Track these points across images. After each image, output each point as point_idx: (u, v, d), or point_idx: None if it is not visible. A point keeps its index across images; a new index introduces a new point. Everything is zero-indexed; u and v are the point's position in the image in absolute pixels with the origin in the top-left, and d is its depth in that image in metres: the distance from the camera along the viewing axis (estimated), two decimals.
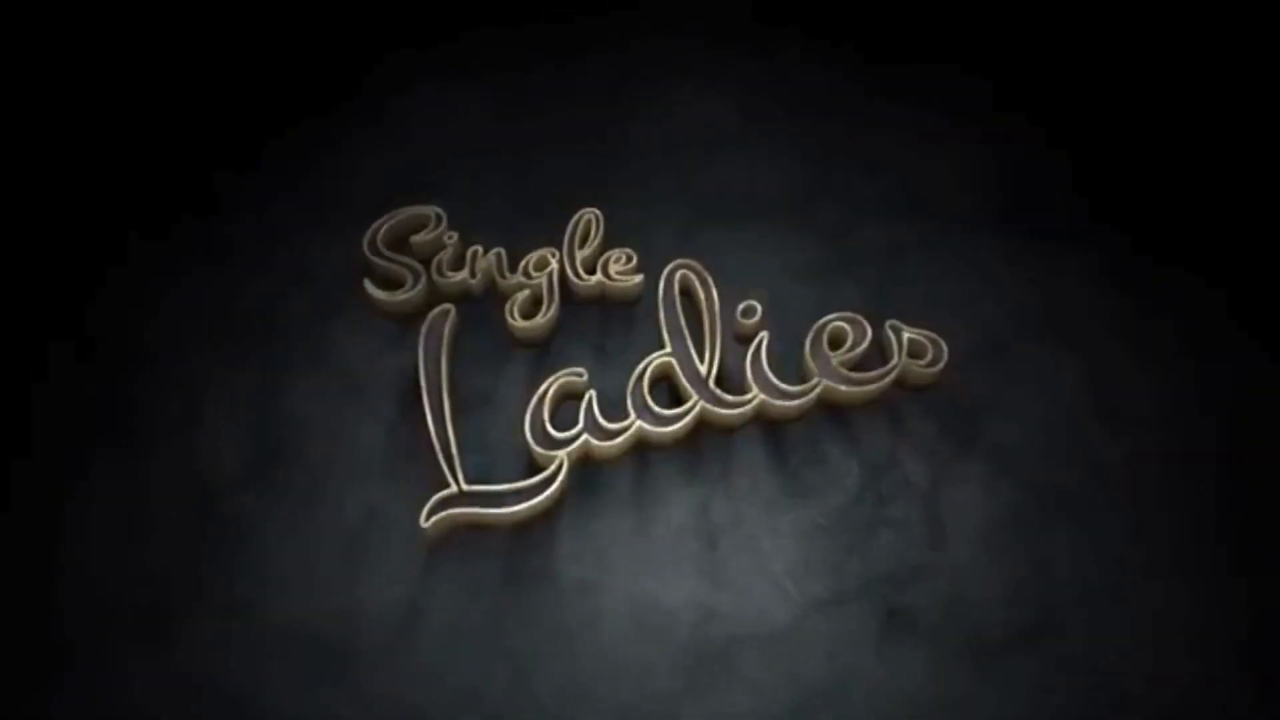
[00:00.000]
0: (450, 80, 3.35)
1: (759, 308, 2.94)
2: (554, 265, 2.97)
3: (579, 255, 2.99)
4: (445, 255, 3.00)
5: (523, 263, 2.98)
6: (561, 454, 2.75)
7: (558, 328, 2.97)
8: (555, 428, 2.78)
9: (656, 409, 2.82)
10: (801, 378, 2.89)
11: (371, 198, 3.08)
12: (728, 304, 2.93)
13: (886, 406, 2.91)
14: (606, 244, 3.01)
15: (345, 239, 3.02)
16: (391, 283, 2.98)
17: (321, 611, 2.63)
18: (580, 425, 2.78)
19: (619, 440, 2.78)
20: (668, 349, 2.89)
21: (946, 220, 3.16)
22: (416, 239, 3.02)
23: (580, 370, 2.84)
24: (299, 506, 2.75)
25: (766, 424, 2.88)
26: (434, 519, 2.68)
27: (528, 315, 2.93)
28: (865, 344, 2.92)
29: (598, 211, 3.02)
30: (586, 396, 2.80)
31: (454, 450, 2.75)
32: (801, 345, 2.91)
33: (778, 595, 2.68)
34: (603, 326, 2.97)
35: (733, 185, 3.19)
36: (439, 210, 3.04)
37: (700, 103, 3.32)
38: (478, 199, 3.12)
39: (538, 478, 2.73)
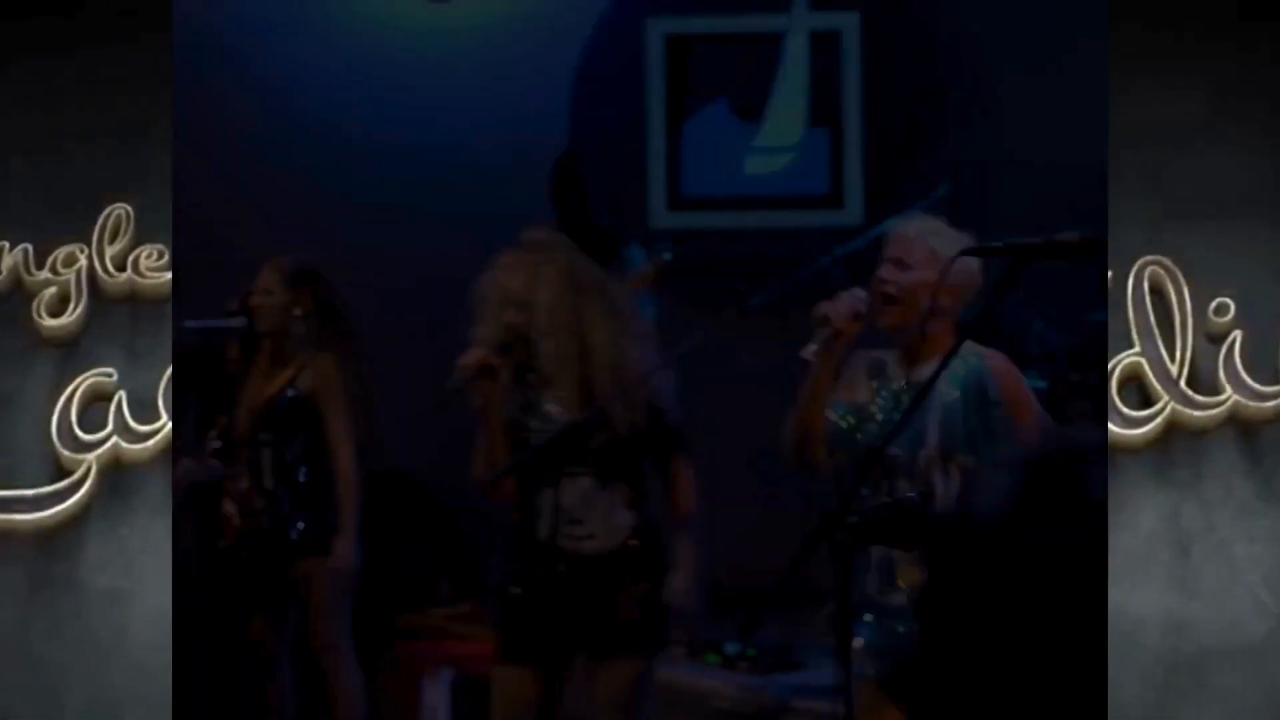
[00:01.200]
0: None
1: (1232, 305, 2.82)
2: (83, 262, 2.89)
3: (108, 251, 2.91)
4: None
5: (50, 259, 2.89)
6: (90, 457, 2.69)
7: (86, 326, 2.88)
8: (84, 430, 2.72)
9: (1125, 410, 2.74)
10: (1278, 378, 2.80)
11: None
12: (1198, 302, 2.81)
13: None
14: (139, 240, 2.94)
15: None
16: None
17: None
18: (109, 427, 2.73)
19: (151, 443, 2.73)
20: (1136, 348, 2.80)
21: None
22: None
23: (110, 370, 2.79)
24: None
25: (1240, 426, 2.77)
26: None
27: (55, 313, 2.85)
28: None
29: (128, 207, 2.94)
30: (116, 397, 2.75)
31: None
32: (1278, 344, 2.81)
33: (1253, 605, 2.61)
34: (133, 325, 2.89)
35: (1204, 180, 2.99)
36: None
37: (1168, 95, 3.09)
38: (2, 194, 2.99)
39: (65, 482, 2.68)
